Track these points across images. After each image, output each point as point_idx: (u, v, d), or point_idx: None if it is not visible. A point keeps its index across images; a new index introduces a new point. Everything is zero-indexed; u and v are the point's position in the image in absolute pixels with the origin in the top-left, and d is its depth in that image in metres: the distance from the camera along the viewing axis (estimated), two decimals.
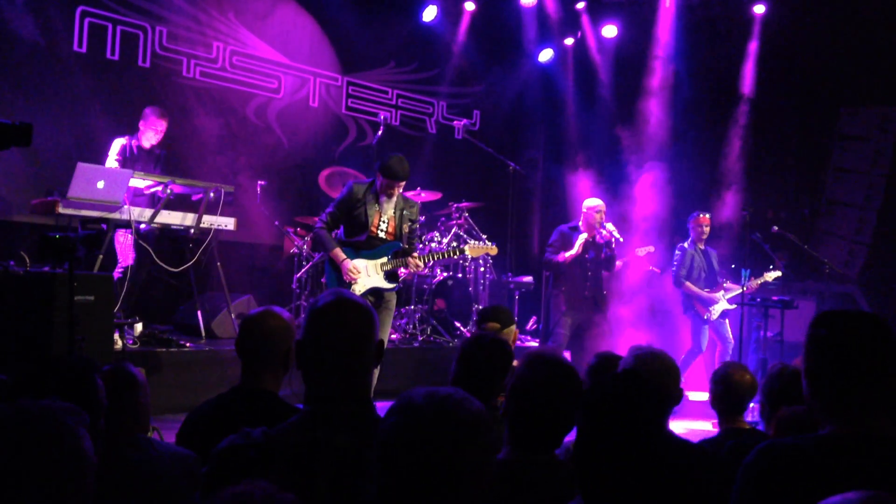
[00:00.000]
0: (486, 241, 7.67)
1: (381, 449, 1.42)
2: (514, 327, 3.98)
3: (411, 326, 7.79)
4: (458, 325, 8.01)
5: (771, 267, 7.81)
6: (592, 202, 7.03)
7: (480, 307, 8.36)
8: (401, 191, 5.56)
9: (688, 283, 7.75)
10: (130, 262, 5.96)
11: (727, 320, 7.78)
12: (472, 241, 7.49)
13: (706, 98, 9.95)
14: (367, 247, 5.50)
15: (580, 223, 7.01)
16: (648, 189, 9.79)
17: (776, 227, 8.55)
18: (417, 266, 5.60)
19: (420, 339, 7.68)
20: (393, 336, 7.60)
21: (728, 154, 10.15)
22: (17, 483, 1.37)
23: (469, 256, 6.48)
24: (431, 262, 6.48)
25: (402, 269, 5.69)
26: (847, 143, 10.66)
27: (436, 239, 8.23)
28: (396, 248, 5.57)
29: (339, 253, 5.44)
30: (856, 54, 9.84)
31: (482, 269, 8.60)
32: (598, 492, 1.71)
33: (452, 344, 7.66)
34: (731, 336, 7.70)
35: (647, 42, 10.22)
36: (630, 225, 9.43)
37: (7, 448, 1.39)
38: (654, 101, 10.12)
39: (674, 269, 7.89)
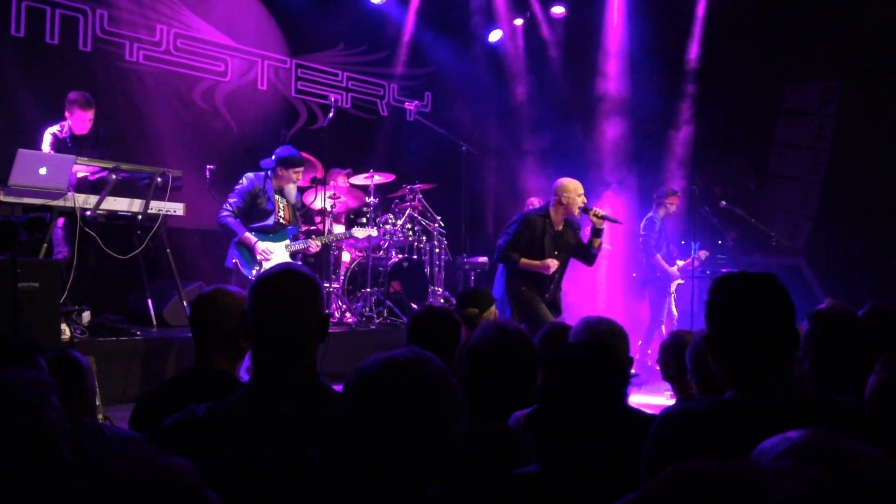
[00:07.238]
0: (373, 227, 7.59)
1: (347, 427, 1.36)
2: (493, 308, 3.97)
3: (367, 309, 7.76)
4: (414, 306, 8.00)
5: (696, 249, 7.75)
6: (570, 183, 5.81)
7: (437, 288, 8.39)
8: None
9: (658, 256, 7.79)
10: (66, 253, 5.77)
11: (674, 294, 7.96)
12: (357, 227, 7.48)
13: (653, 76, 10.06)
14: (272, 231, 6.35)
15: (553, 209, 5.86)
16: (599, 167, 9.87)
17: (724, 202, 8.72)
18: (317, 246, 6.64)
19: (377, 321, 7.66)
20: (349, 319, 7.57)
21: (676, 130, 10.30)
22: None
23: (357, 237, 7.23)
24: (327, 242, 7.04)
25: (312, 248, 6.61)
26: (791, 118, 10.89)
27: (390, 221, 8.19)
28: (296, 231, 6.53)
29: (250, 237, 6.20)
30: (798, 30, 10.04)
31: (437, 250, 8.59)
32: (556, 460, 1.71)
33: None
34: (675, 311, 7.87)
35: (596, 20, 10.30)
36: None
37: None
38: (604, 79, 10.22)
39: (644, 237, 7.82)
